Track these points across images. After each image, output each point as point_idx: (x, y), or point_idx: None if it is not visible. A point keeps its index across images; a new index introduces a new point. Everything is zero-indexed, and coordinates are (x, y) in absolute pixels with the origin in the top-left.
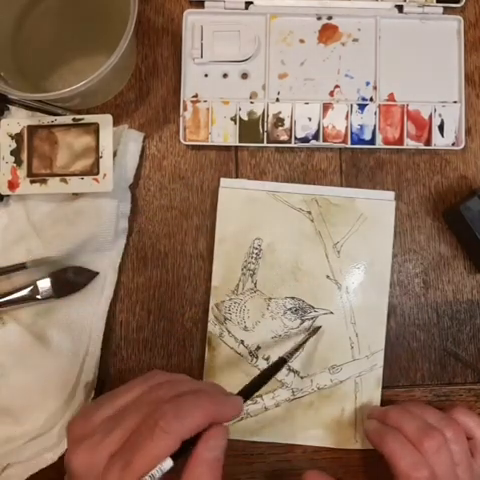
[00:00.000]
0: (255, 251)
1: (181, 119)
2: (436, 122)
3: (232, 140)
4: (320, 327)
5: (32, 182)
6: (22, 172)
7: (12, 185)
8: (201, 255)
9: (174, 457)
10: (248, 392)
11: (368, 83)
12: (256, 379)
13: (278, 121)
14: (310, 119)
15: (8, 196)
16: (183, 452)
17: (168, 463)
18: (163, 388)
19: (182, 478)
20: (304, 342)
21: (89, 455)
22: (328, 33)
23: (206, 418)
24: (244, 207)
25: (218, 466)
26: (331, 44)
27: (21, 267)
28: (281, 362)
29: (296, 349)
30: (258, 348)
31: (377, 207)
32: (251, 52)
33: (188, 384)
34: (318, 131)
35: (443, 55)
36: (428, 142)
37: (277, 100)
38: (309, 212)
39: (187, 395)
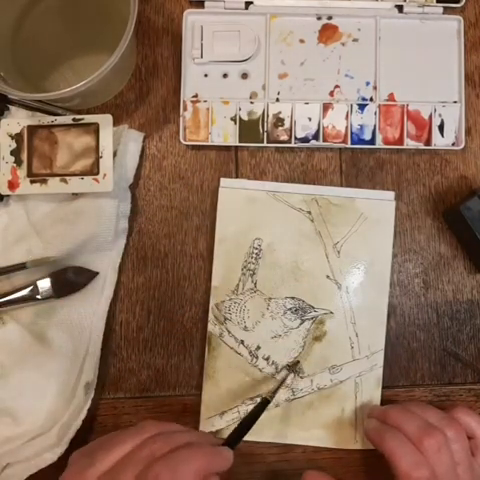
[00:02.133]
0: (255, 251)
1: (181, 119)
2: (436, 122)
3: (232, 140)
4: (298, 362)
5: (32, 182)
6: (22, 172)
7: (12, 185)
8: (201, 255)
9: None
10: (235, 439)
11: (368, 83)
12: (242, 424)
13: (278, 121)
14: (310, 119)
15: (8, 196)
16: None
17: None
18: (156, 442)
19: None
20: (285, 378)
21: None
22: (328, 33)
23: (199, 474)
24: (244, 207)
25: None
26: (331, 44)
27: (21, 267)
28: (264, 403)
29: (278, 387)
30: (258, 348)
31: (377, 207)
32: (251, 52)
33: (180, 436)
34: (318, 131)
35: (443, 55)
36: (428, 142)
37: (277, 100)
38: (309, 212)
39: (179, 450)
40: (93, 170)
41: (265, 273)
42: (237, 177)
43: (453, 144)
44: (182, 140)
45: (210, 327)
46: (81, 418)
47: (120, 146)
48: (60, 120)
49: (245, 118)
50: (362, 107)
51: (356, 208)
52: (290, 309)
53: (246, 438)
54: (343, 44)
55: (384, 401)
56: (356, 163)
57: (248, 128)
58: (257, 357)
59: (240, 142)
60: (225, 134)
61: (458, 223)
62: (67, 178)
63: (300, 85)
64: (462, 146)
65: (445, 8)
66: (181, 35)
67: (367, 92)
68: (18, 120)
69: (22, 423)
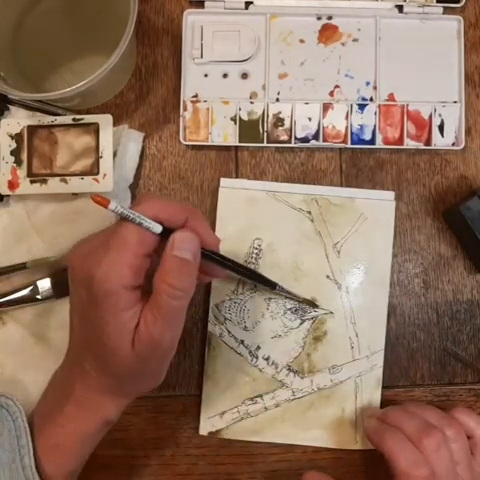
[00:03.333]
0: (255, 251)
1: (181, 119)
2: (436, 122)
3: (232, 140)
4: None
5: (32, 182)
6: (22, 172)
7: (12, 185)
8: None
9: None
10: (220, 256)
11: (368, 83)
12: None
13: (278, 121)
14: (310, 119)
15: (8, 196)
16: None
17: (157, 227)
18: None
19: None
20: (296, 298)
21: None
22: (328, 33)
23: (184, 209)
24: (244, 207)
25: (188, 268)
26: (331, 44)
27: (21, 267)
28: (269, 283)
29: (289, 293)
30: (258, 348)
31: (377, 207)
32: (251, 52)
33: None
34: (318, 131)
35: (443, 55)
36: (428, 142)
37: (277, 100)
38: (309, 212)
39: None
40: (93, 170)
41: (265, 273)
42: (237, 177)
43: (453, 144)
44: (182, 140)
45: (210, 327)
46: None
47: (120, 146)
48: (60, 120)
49: (245, 118)
50: (362, 107)
51: (356, 208)
52: (290, 309)
53: (246, 438)
54: (343, 44)
55: (384, 401)
56: (356, 163)
57: (248, 128)
58: (257, 357)
59: (240, 142)
60: (225, 134)
61: (458, 223)
62: (67, 178)
63: (300, 85)
64: (462, 146)
65: (445, 8)
66: (181, 35)
67: (367, 92)
68: (18, 120)
69: None
